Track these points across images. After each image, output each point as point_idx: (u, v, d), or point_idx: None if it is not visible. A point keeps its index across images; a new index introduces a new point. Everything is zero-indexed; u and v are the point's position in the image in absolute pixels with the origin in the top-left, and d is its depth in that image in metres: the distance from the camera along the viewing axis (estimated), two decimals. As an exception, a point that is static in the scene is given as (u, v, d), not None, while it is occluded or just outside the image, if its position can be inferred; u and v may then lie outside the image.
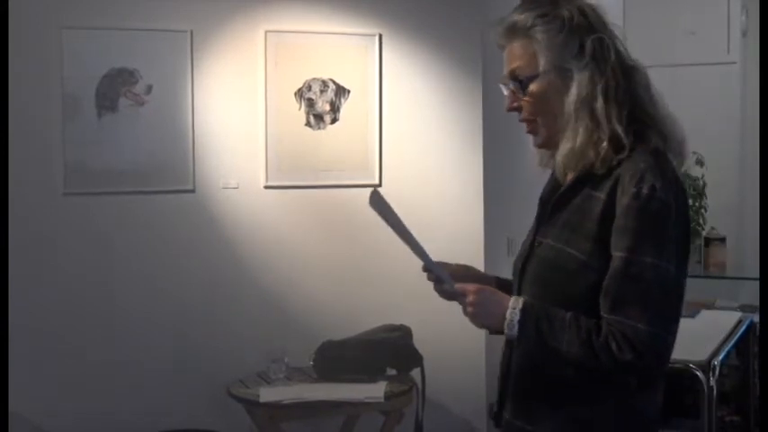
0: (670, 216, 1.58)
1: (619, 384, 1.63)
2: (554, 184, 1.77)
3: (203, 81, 3.47)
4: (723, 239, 4.47)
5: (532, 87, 1.68)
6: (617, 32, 1.71)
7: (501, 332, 1.65)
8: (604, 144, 1.61)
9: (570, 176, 1.69)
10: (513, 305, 1.62)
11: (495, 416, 1.82)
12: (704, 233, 4.51)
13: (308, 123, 3.57)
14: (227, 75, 3.51)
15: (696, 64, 5.20)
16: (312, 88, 3.57)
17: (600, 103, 1.62)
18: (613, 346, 1.54)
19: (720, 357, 3.22)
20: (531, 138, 1.77)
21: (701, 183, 4.49)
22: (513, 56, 1.70)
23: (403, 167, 3.67)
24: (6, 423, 2.44)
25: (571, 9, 1.67)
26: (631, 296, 1.55)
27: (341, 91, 3.60)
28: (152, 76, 3.40)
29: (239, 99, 3.52)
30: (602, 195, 1.61)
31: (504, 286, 1.82)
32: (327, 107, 3.59)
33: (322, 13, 3.60)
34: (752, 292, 3.86)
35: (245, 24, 3.51)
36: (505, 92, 1.75)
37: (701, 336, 3.48)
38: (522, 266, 1.75)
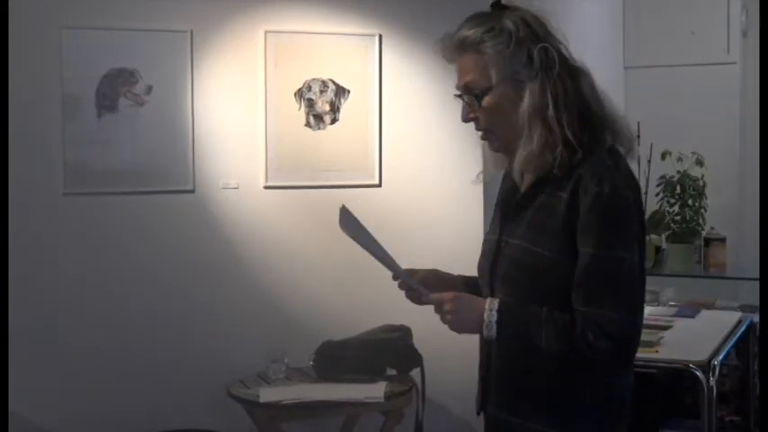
0: (631, 211, 1.68)
1: (595, 373, 1.72)
2: (512, 185, 1.84)
3: (203, 81, 3.47)
4: (723, 239, 4.46)
5: (487, 99, 1.75)
6: (560, 37, 1.78)
7: (480, 334, 1.74)
8: (559, 149, 1.69)
9: (529, 179, 1.76)
10: (490, 307, 1.71)
11: (480, 410, 1.90)
12: (704, 233, 4.50)
13: (307, 123, 3.57)
14: (227, 75, 3.51)
15: (696, 64, 5.20)
16: (312, 88, 3.57)
17: (551, 111, 1.70)
18: (590, 336, 1.64)
19: (720, 357, 3.22)
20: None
21: (701, 183, 4.49)
22: (465, 69, 1.78)
23: (403, 167, 3.67)
24: (6, 423, 2.44)
25: (516, 21, 1.74)
26: (602, 289, 1.65)
27: (341, 91, 3.60)
28: (152, 76, 3.40)
29: (239, 99, 3.52)
30: (564, 195, 1.69)
31: (470, 284, 1.92)
32: (327, 107, 3.59)
33: (322, 13, 3.60)
34: (752, 292, 3.86)
35: (245, 24, 3.51)
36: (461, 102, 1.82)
37: (701, 336, 3.48)
38: (491, 266, 1.82)
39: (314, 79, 3.57)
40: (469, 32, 1.75)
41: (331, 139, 3.59)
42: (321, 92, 3.58)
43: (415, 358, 3.31)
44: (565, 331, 1.65)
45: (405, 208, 3.59)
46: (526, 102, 1.71)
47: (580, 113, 1.72)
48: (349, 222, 1.79)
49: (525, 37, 1.72)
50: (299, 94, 3.56)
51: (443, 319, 1.74)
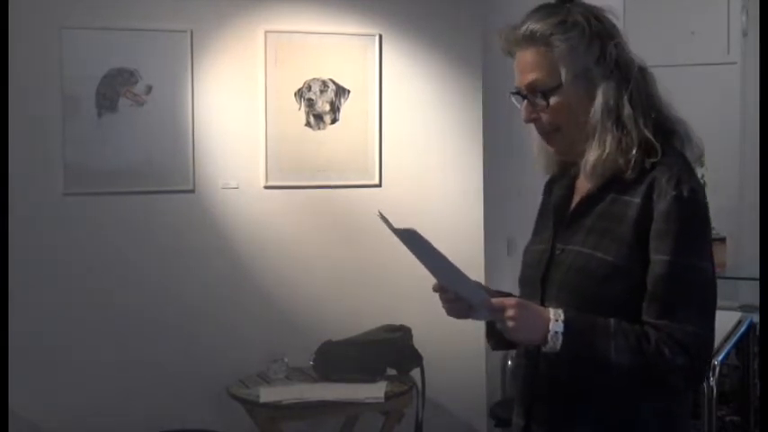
0: (708, 216, 1.60)
1: (663, 388, 1.60)
2: (566, 191, 1.73)
3: (203, 81, 3.47)
4: (723, 239, 4.46)
5: (555, 99, 1.62)
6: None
7: (537, 345, 1.57)
8: (634, 150, 1.59)
9: (595, 183, 1.64)
10: (555, 317, 1.54)
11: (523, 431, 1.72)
12: (704, 233, 4.50)
13: (308, 123, 3.57)
14: (227, 75, 3.51)
15: (696, 64, 5.20)
16: (312, 88, 3.57)
17: (627, 111, 1.60)
18: (666, 351, 1.52)
19: (720, 357, 3.22)
20: (532, 140, 1.74)
21: (702, 183, 4.49)
22: (530, 66, 1.63)
23: (403, 168, 3.67)
24: (6, 423, 2.44)
25: (586, 14, 1.63)
26: (679, 299, 1.54)
27: (341, 91, 3.60)
28: (152, 76, 3.40)
29: (239, 99, 3.52)
30: (635, 199, 1.58)
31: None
32: (327, 107, 3.59)
33: (322, 13, 3.60)
34: (752, 292, 3.86)
35: (245, 24, 3.52)
36: (518, 103, 1.68)
37: (701, 336, 3.47)
38: (543, 276, 1.69)
39: (314, 79, 3.57)
40: (538, 25, 1.61)
41: (331, 139, 3.59)
42: (321, 92, 3.58)
43: (415, 358, 3.31)
44: (639, 344, 1.52)
45: (405, 208, 3.59)
46: (599, 101, 1.60)
47: (652, 115, 1.63)
48: (415, 240, 1.58)
49: (598, 32, 1.61)
50: (299, 94, 3.56)
51: (504, 326, 1.56)
